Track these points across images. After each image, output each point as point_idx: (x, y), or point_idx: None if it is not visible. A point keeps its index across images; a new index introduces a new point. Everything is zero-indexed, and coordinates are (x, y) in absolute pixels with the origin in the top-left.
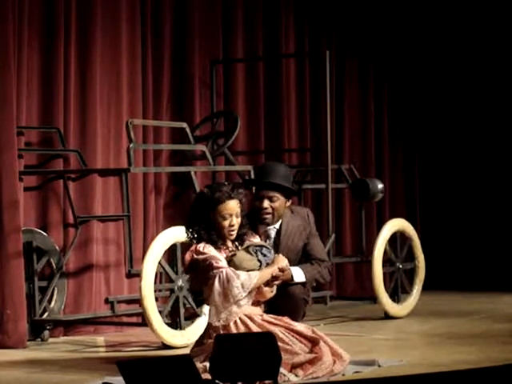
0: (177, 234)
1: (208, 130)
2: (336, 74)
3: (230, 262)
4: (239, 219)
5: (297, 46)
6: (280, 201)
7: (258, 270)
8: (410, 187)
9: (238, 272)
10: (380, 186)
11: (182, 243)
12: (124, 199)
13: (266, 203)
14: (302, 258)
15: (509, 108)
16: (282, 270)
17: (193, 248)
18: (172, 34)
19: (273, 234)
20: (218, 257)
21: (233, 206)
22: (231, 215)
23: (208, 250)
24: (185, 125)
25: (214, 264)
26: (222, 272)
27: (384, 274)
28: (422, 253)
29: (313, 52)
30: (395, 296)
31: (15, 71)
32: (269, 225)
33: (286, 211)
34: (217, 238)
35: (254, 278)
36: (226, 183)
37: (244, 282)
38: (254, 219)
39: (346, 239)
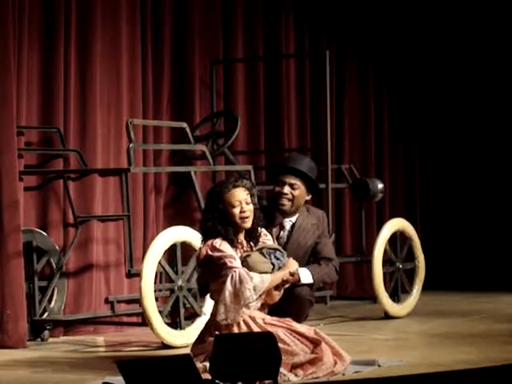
0: (177, 233)
1: (208, 130)
2: (336, 74)
3: (244, 262)
4: (250, 206)
5: (297, 46)
6: (300, 190)
7: (271, 273)
8: (410, 187)
9: (251, 274)
10: (380, 185)
11: (182, 243)
12: (124, 199)
13: (287, 189)
14: (311, 257)
15: (509, 108)
16: (292, 274)
17: (209, 243)
18: (172, 34)
19: (288, 226)
20: (233, 256)
21: (239, 193)
22: (240, 202)
23: (224, 247)
24: (185, 125)
25: (228, 263)
26: (235, 272)
27: (384, 273)
28: (421, 253)
29: (313, 52)
30: (395, 296)
31: (15, 71)
32: (285, 213)
33: (303, 209)
34: (233, 234)
35: (267, 281)
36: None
37: (257, 284)
38: (272, 208)
39: (346, 239)
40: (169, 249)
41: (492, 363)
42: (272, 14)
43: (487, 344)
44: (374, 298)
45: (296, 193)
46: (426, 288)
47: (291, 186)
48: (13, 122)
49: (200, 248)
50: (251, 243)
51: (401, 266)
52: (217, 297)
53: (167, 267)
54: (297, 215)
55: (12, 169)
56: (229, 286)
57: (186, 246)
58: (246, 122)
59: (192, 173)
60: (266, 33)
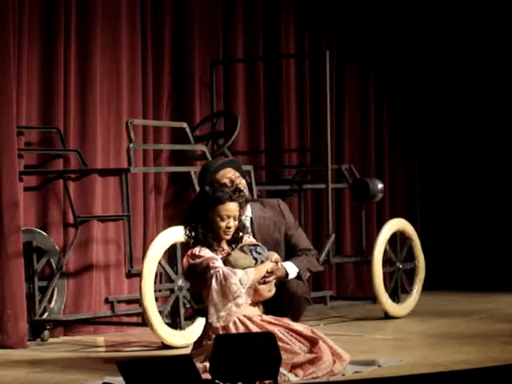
0: (177, 233)
1: (208, 130)
2: (336, 74)
3: (226, 261)
4: (236, 222)
5: (297, 46)
6: (242, 177)
7: (254, 267)
8: (409, 187)
9: (234, 270)
10: (380, 185)
11: (182, 243)
12: (124, 199)
13: (237, 180)
14: (287, 251)
15: (508, 108)
16: (275, 262)
17: (189, 253)
18: (172, 34)
19: (248, 222)
20: (214, 257)
21: (232, 208)
22: (229, 217)
23: (204, 252)
24: (185, 125)
25: (211, 265)
26: (218, 271)
27: (384, 274)
28: (421, 253)
29: (313, 52)
30: (395, 296)
31: (15, 71)
32: (247, 200)
33: (257, 205)
34: (212, 239)
35: (251, 273)
36: (229, 185)
37: (242, 277)
38: None
39: (346, 239)
40: (169, 249)
41: (492, 363)
42: (272, 14)
43: (487, 344)
44: (374, 298)
45: (243, 181)
46: (426, 288)
47: (236, 177)
48: (13, 122)
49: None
50: (233, 246)
51: (401, 266)
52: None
53: (167, 267)
54: (249, 209)
55: (12, 169)
56: (214, 286)
57: (186, 246)
58: (246, 122)
59: (192, 173)
60: (265, 33)
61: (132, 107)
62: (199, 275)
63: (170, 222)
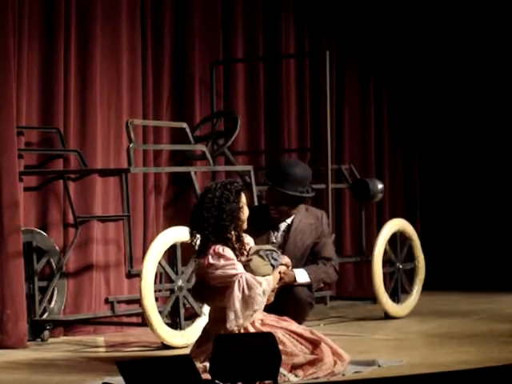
0: (177, 233)
1: (208, 130)
2: (336, 74)
3: (246, 267)
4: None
5: (297, 46)
6: (288, 205)
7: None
8: (409, 187)
9: (257, 279)
10: (380, 186)
11: (182, 243)
12: (124, 199)
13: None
14: (310, 257)
15: (508, 108)
16: (285, 265)
17: (211, 251)
18: (172, 34)
19: (282, 227)
20: (235, 262)
21: (244, 197)
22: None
23: (227, 252)
24: (185, 125)
25: (233, 271)
26: (241, 277)
27: (384, 274)
28: (421, 253)
29: (313, 52)
30: (395, 296)
31: (15, 71)
32: (276, 223)
33: (301, 208)
34: (228, 238)
35: (271, 283)
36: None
37: (265, 289)
38: (265, 213)
39: (346, 239)
40: (169, 249)
41: (492, 363)
42: (272, 13)
43: (487, 344)
44: (374, 298)
45: (282, 207)
46: (426, 288)
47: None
48: (13, 122)
49: (203, 255)
50: (244, 246)
51: (401, 266)
52: (219, 303)
53: (167, 267)
54: (293, 216)
55: (12, 169)
56: (237, 293)
57: (186, 246)
58: (246, 122)
59: (192, 173)
60: (265, 33)
61: (132, 107)
62: (216, 277)
63: (170, 222)
